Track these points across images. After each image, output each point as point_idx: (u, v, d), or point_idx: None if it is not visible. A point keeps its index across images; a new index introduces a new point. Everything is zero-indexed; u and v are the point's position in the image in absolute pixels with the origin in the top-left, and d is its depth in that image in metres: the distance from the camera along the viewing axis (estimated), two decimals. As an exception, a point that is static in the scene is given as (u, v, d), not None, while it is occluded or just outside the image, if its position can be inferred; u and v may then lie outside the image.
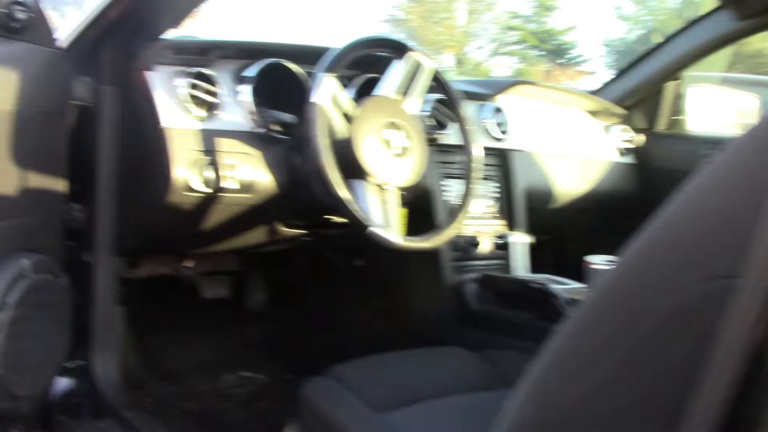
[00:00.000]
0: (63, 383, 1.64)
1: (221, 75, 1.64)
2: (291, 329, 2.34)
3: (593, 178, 2.40)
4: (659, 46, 2.44)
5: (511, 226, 2.10)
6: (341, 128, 1.54)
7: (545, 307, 1.77)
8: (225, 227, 1.69)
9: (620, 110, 2.53)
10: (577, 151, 2.37)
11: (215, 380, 2.15)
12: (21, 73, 1.38)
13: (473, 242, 2.00)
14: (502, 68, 23.88)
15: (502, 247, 1.99)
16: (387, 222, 1.56)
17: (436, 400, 1.34)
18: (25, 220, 1.41)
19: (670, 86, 2.51)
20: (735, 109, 2.67)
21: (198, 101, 1.57)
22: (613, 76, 2.63)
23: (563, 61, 23.65)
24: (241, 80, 1.67)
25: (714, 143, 2.38)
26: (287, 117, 1.63)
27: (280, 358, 2.29)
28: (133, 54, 1.58)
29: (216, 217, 1.65)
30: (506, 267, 2.03)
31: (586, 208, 2.39)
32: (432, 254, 1.86)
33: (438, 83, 1.73)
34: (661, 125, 2.56)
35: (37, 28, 1.41)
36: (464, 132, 1.76)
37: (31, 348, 1.40)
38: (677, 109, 2.55)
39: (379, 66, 1.76)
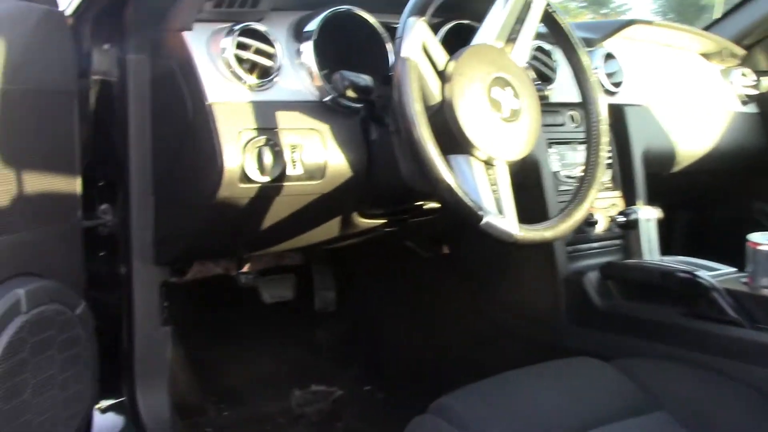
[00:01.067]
0: (99, 426, 1.32)
1: (276, 31, 1.29)
2: (367, 332, 2.00)
3: (715, 134, 2.00)
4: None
5: (629, 197, 1.72)
6: (435, 89, 1.18)
7: (694, 302, 1.40)
8: (288, 223, 1.35)
9: (739, 50, 2.11)
10: (696, 103, 1.97)
11: (283, 398, 1.82)
12: (11, 40, 1.05)
13: (589, 221, 1.63)
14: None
15: (625, 226, 1.61)
16: (501, 208, 1.19)
17: None
18: (23, 234, 1.07)
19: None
20: None
21: (249, 66, 1.23)
22: (726, 12, 2.20)
23: (607, 11, 22.79)
24: (301, 36, 1.31)
25: None
26: (363, 79, 1.27)
27: (356, 366, 1.96)
28: (164, 11, 1.23)
29: (277, 211, 1.31)
30: (629, 250, 1.66)
31: (710, 170, 2.00)
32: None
33: (550, 24, 1.35)
34: (790, 66, 2.14)
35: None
36: (586, 85, 1.37)
37: (38, 404, 1.07)
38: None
39: (470, 9, 1.39)
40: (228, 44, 1.21)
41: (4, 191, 1.03)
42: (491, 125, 1.20)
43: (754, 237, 1.38)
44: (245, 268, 1.62)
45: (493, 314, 1.73)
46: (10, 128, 1.04)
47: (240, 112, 1.20)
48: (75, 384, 1.14)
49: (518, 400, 1.14)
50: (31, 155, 1.09)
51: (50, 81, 1.13)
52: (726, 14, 2.17)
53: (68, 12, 1.23)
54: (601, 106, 1.37)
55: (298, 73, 1.29)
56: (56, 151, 1.15)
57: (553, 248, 1.58)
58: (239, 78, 1.22)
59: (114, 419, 1.38)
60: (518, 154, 1.25)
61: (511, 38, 1.29)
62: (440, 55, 1.19)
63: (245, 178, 1.20)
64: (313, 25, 1.31)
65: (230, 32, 1.22)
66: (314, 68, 1.29)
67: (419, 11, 1.15)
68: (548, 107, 1.60)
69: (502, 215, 1.17)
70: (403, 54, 1.12)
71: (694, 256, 1.57)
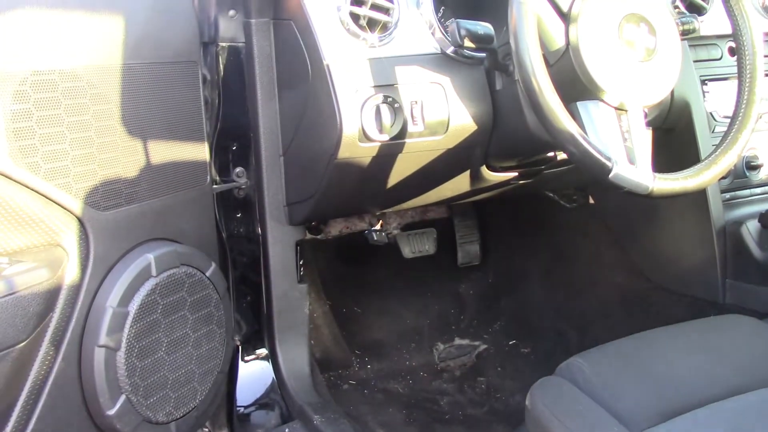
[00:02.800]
0: (244, 378, 1.39)
1: None
2: (510, 285, 1.95)
3: None
4: None
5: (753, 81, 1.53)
6: (558, 33, 1.10)
7: None
8: (413, 180, 1.32)
9: None
10: None
11: (426, 352, 1.83)
12: (131, 15, 1.09)
13: (751, 164, 1.48)
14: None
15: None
16: (634, 157, 1.10)
17: (725, 403, 0.94)
18: (153, 202, 1.12)
19: None
20: None
21: (367, 22, 1.20)
22: None
23: None
24: None
25: None
26: (481, 27, 1.20)
27: (499, 320, 1.92)
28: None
29: (400, 169, 1.28)
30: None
31: None
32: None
33: None
34: None
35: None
36: (734, 9, 1.22)
37: (171, 362, 1.14)
38: None
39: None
40: (343, 2, 1.19)
41: (131, 161, 1.09)
42: (623, 67, 1.11)
43: None
44: (378, 225, 1.62)
45: (641, 267, 1.63)
46: (134, 100, 1.09)
47: (357, 70, 1.19)
48: (208, 342, 1.20)
49: (655, 362, 1.07)
50: (157, 125, 1.14)
51: (173, 52, 1.17)
52: None
53: (193, -20, 1.26)
54: (755, 34, 1.22)
55: (418, 24, 1.25)
56: (182, 120, 1.19)
57: (706, 195, 1.45)
58: (356, 35, 1.20)
59: (259, 371, 1.44)
60: (655, 97, 1.15)
61: (647, -33, 1.17)
62: (565, -4, 1.11)
63: (365, 137, 1.19)
64: None
65: None
66: (434, 19, 1.25)
67: None
68: (701, 40, 1.46)
69: (633, 165, 1.08)
70: None
71: None
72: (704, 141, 1.44)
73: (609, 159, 1.05)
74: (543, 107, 1.04)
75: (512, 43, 1.05)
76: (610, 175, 1.05)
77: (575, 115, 1.11)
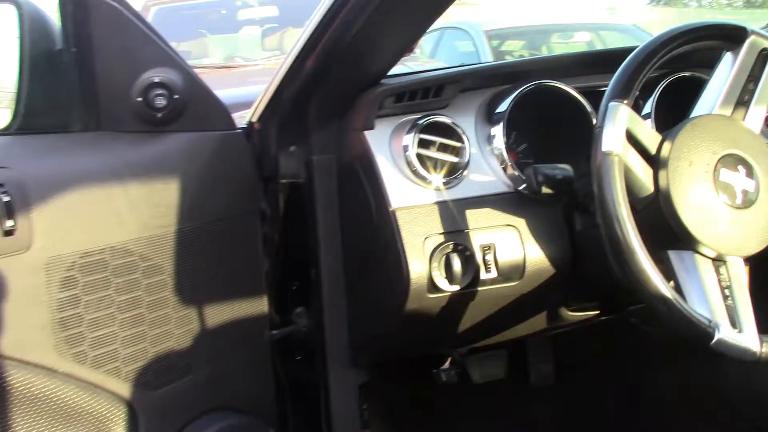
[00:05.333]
0: None
1: (463, 117, 1.18)
2: (588, 410, 1.81)
3: None
4: None
5: None
6: (647, 179, 1.00)
7: None
8: (486, 324, 1.23)
9: None
10: None
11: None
12: (186, 177, 1.03)
13: None
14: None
15: None
16: (736, 318, 0.98)
17: None
18: (210, 371, 1.05)
19: None
20: None
21: (435, 163, 1.13)
22: None
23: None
24: (491, 119, 1.19)
25: None
26: (560, 171, 1.12)
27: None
28: (346, 109, 1.18)
29: (472, 315, 1.19)
30: None
31: None
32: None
33: None
34: None
35: (193, 111, 1.05)
36: None
37: None
38: None
39: (690, 60, 1.19)
40: (410, 142, 1.12)
41: (186, 332, 1.02)
42: (720, 214, 1.00)
43: None
44: (446, 364, 1.51)
45: (742, 409, 1.48)
46: (189, 266, 1.03)
47: (425, 217, 1.11)
48: None
49: None
50: (214, 287, 1.08)
51: (231, 207, 1.11)
52: None
53: (254, 119, 1.22)
54: None
55: (489, 161, 1.17)
56: (240, 275, 1.13)
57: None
58: (424, 179, 1.12)
59: None
60: (757, 246, 1.03)
61: (743, 101, 1.07)
62: (651, 137, 1.01)
63: (433, 287, 1.10)
64: (504, 106, 1.18)
65: (412, 128, 1.13)
66: (506, 155, 1.16)
67: (622, 93, 0.98)
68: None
69: (737, 329, 0.96)
70: (604, 148, 0.95)
71: None
72: None
73: (710, 323, 0.94)
74: (630, 266, 0.94)
75: (596, 190, 0.96)
76: (713, 343, 0.94)
77: (667, 265, 1.00)
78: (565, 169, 1.11)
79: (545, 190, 1.11)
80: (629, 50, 1.15)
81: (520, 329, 1.29)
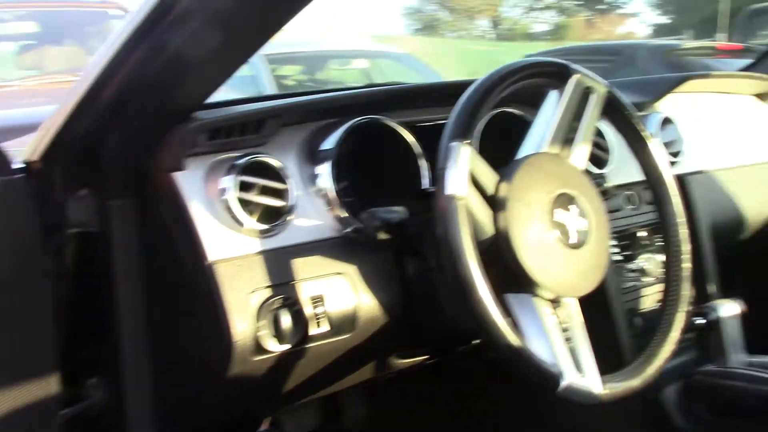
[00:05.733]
0: None
1: (284, 155, 1.07)
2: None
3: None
4: None
5: (699, 284, 1.48)
6: (486, 220, 0.95)
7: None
8: (313, 381, 1.12)
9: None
10: (762, 155, 1.73)
11: None
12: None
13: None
14: (540, 23, 22.91)
15: (706, 328, 1.36)
16: (578, 361, 0.96)
17: None
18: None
19: None
20: None
21: (257, 208, 1.01)
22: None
23: (603, 7, 22.52)
24: (316, 157, 1.09)
25: None
26: (396, 214, 1.04)
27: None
28: (150, 147, 1.02)
29: (300, 374, 1.08)
30: (706, 348, 1.41)
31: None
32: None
33: (611, 113, 1.13)
34: None
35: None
36: (660, 186, 1.14)
37: None
38: None
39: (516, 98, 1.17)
40: (228, 185, 0.99)
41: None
42: (556, 255, 0.98)
43: None
44: (264, 425, 1.38)
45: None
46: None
47: (249, 269, 0.98)
48: None
49: None
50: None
51: (10, 269, 0.91)
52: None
53: (33, 157, 1.02)
54: (677, 206, 1.14)
55: (315, 203, 1.07)
56: (28, 352, 0.93)
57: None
58: (245, 225, 0.99)
59: None
60: (590, 285, 1.02)
61: (568, 139, 1.06)
62: (489, 178, 0.97)
63: (260, 349, 0.98)
64: (330, 143, 1.09)
65: (231, 169, 1.00)
66: (333, 196, 1.07)
67: (463, 133, 0.93)
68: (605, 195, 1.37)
69: (581, 373, 0.95)
70: (448, 191, 0.89)
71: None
72: (617, 306, 1.33)
73: (556, 370, 0.91)
74: (479, 313, 0.89)
75: (441, 236, 0.90)
76: (559, 389, 0.91)
77: (507, 309, 0.96)
78: (399, 211, 1.04)
79: (382, 235, 1.03)
80: (452, 85, 1.11)
81: (347, 381, 1.20)
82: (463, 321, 1.06)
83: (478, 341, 1.22)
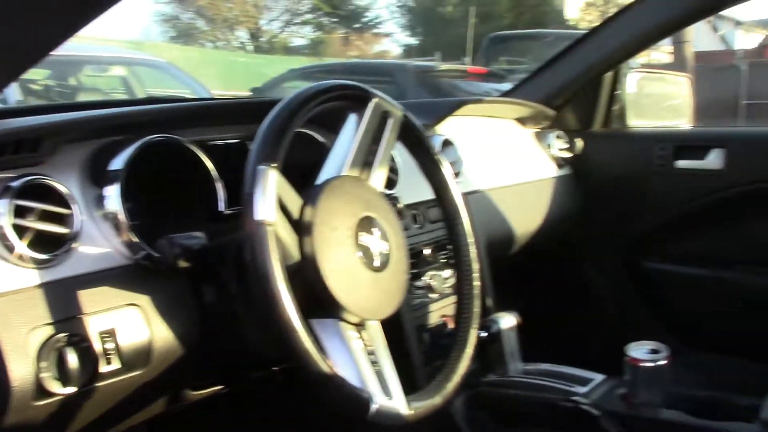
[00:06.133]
0: None
1: (67, 176, 0.97)
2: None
3: (543, 204, 1.93)
4: (594, 32, 1.99)
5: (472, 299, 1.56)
6: (292, 245, 0.93)
7: (580, 429, 1.28)
8: (104, 421, 1.02)
9: (550, 112, 2.06)
10: (524, 174, 1.88)
11: None
12: None
13: (443, 332, 1.45)
14: (298, 38, 23.24)
15: (489, 341, 1.44)
16: (385, 383, 0.97)
17: None
18: None
19: (606, 78, 2.07)
20: (667, 92, 2.32)
21: (35, 235, 0.89)
22: (531, 73, 2.15)
23: (359, 25, 23.37)
24: (102, 178, 0.99)
25: (666, 139, 1.98)
26: (196, 240, 0.98)
27: None
28: None
29: (88, 416, 0.98)
30: (487, 357, 1.50)
31: (538, 244, 1.92)
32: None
33: (406, 137, 1.15)
34: (598, 124, 2.13)
35: None
36: (444, 189, 1.19)
37: None
38: (614, 103, 2.13)
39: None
40: (1, 210, 0.87)
41: None
42: (361, 279, 0.98)
43: (633, 351, 1.28)
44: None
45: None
46: None
47: (28, 304, 0.87)
48: None
49: None
50: None
51: None
52: (533, 75, 2.12)
53: None
54: (467, 226, 1.19)
55: (101, 228, 0.98)
56: None
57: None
58: (22, 257, 0.88)
59: None
60: (393, 306, 1.04)
61: (368, 162, 1.07)
62: (294, 202, 0.94)
63: (42, 392, 0.87)
64: (119, 162, 1.00)
65: (4, 192, 0.88)
66: (123, 219, 0.98)
67: (270, 156, 0.89)
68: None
69: (388, 396, 0.95)
70: (257, 217, 0.85)
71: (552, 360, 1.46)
72: (408, 324, 1.36)
73: (366, 394, 0.91)
74: (291, 342, 0.86)
75: (250, 262, 0.86)
76: (370, 414, 0.91)
77: (314, 335, 0.94)
78: (199, 237, 0.98)
79: (182, 263, 0.96)
80: (246, 104, 1.08)
81: (138, 417, 1.11)
82: (268, 348, 1.02)
83: (277, 368, 1.19)
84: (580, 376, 1.39)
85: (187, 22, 21.15)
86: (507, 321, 1.45)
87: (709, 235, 1.94)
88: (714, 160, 1.89)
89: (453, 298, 1.39)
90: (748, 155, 1.86)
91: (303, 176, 1.01)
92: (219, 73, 11.48)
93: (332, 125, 1.10)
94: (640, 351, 1.28)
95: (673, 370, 1.28)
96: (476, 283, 1.17)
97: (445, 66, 6.87)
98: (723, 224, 1.92)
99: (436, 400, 1.03)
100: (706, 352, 1.91)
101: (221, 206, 1.11)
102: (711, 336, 1.94)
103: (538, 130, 2.05)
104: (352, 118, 1.06)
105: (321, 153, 1.07)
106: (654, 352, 1.28)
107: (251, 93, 7.70)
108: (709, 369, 1.81)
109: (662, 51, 15.31)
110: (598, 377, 1.39)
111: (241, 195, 0.88)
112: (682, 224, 1.96)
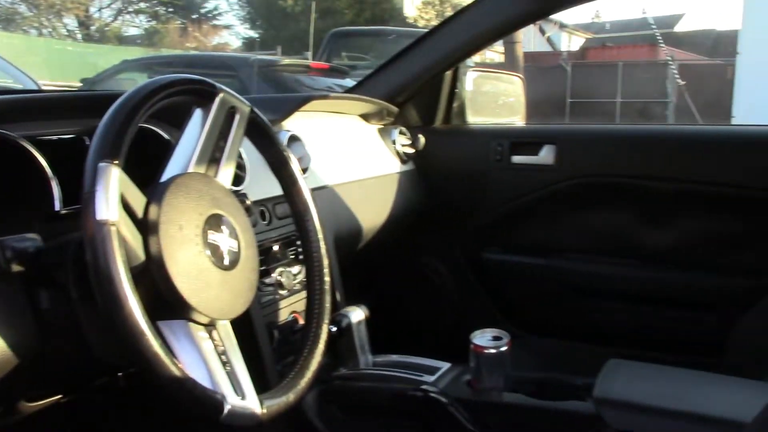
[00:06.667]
0: None
1: None
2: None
3: (387, 200, 1.96)
4: (435, 31, 2.05)
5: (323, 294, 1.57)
6: (136, 246, 0.89)
7: (430, 417, 1.32)
8: None
9: (393, 108, 2.10)
10: (369, 170, 1.91)
11: None
12: None
13: (295, 329, 1.45)
14: (133, 27, 22.30)
15: (339, 335, 1.45)
16: (237, 384, 0.95)
17: None
18: None
19: (446, 76, 2.14)
20: (502, 91, 2.43)
21: None
22: (375, 70, 2.18)
23: (197, 16, 22.76)
24: None
25: (503, 136, 2.09)
26: (31, 243, 0.92)
27: None
28: None
29: None
30: (337, 351, 1.51)
31: (385, 238, 1.96)
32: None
33: (254, 133, 1.14)
34: (439, 121, 2.20)
35: None
36: (293, 186, 1.19)
37: None
38: (454, 100, 2.21)
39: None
40: None
41: None
42: (211, 278, 0.96)
43: (477, 339, 1.34)
44: None
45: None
46: None
47: None
48: None
49: None
50: None
51: None
52: (376, 72, 2.15)
53: None
54: (317, 222, 1.20)
55: None
56: None
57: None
58: None
59: None
60: (244, 305, 1.02)
61: (215, 159, 1.04)
62: (137, 200, 0.91)
63: None
64: None
65: None
66: None
67: (112, 153, 0.85)
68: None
69: (240, 396, 0.94)
70: (99, 216, 0.81)
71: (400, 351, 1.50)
72: (258, 323, 1.35)
73: (218, 396, 0.89)
74: (138, 348, 0.83)
75: (91, 264, 0.82)
76: (223, 416, 0.89)
77: (163, 337, 0.91)
78: (34, 239, 0.92)
79: (16, 267, 0.90)
80: (80, 97, 1.02)
81: None
82: (113, 353, 0.98)
83: (121, 374, 1.14)
84: (427, 365, 1.43)
85: (7, 6, 19.68)
86: (356, 315, 1.47)
87: (543, 226, 2.06)
88: (546, 155, 2.01)
89: (303, 294, 1.39)
90: (576, 151, 1.99)
91: (147, 174, 0.97)
92: (46, 62, 10.81)
93: (176, 121, 1.07)
94: (483, 338, 1.33)
95: (513, 355, 1.34)
96: (326, 278, 1.18)
97: (287, 60, 6.84)
98: (555, 216, 2.04)
99: (290, 398, 1.03)
100: (543, 337, 2.03)
101: (57, 206, 1.05)
102: (547, 321, 2.07)
103: (382, 126, 2.09)
104: (197, 113, 1.03)
105: (165, 150, 1.03)
106: (496, 339, 1.34)
107: (82, 84, 7.30)
108: (546, 352, 1.93)
109: (495, 51, 16.04)
110: (445, 365, 1.43)
111: (79, 194, 0.84)
112: (519, 216, 2.06)
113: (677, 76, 13.88)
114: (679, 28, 22.99)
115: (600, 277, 2.01)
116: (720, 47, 16.90)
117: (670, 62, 14.39)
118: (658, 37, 15.13)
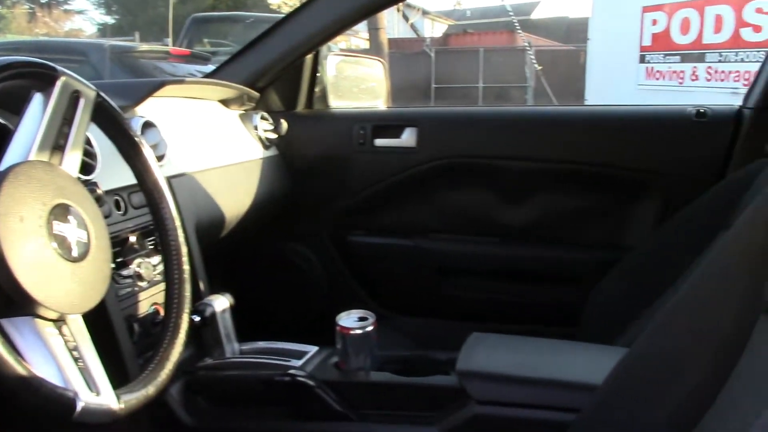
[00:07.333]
0: None
1: None
2: None
3: (251, 187, 1.94)
4: (294, 14, 2.03)
5: (192, 284, 1.53)
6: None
7: (299, 401, 1.32)
8: None
9: (254, 93, 2.07)
10: (231, 156, 1.87)
11: None
12: None
13: (155, 321, 1.40)
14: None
15: (203, 324, 1.42)
16: (91, 380, 0.91)
17: None
18: None
19: (307, 60, 2.14)
20: (364, 75, 2.45)
21: None
22: (234, 55, 2.14)
23: (46, 0, 21.52)
24: None
25: (365, 120, 2.11)
26: None
27: None
28: None
29: None
30: (201, 341, 1.48)
31: (249, 225, 1.93)
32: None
33: (101, 118, 1.09)
34: (302, 105, 2.19)
35: None
36: (146, 173, 1.15)
37: None
38: (315, 85, 2.20)
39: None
40: None
41: None
42: (59, 271, 0.91)
43: (343, 321, 1.35)
44: None
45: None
46: None
47: None
48: None
49: None
50: None
51: None
52: (235, 57, 2.11)
53: None
54: (173, 210, 1.16)
55: None
56: None
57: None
58: None
59: None
60: (96, 298, 0.98)
61: (59, 146, 0.99)
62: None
63: None
64: None
65: None
66: None
67: None
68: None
69: (94, 392, 0.90)
70: None
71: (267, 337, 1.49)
72: (115, 314, 1.29)
73: (70, 394, 0.85)
74: None
75: None
76: (76, 414, 0.86)
77: (5, 336, 0.86)
78: None
79: None
80: None
81: None
82: None
83: None
84: (295, 350, 1.43)
85: None
86: (220, 303, 1.44)
87: (406, 208, 2.10)
88: (408, 138, 2.04)
89: (163, 285, 1.35)
90: (436, 133, 2.04)
91: None
92: None
93: (14, 106, 1.00)
94: (348, 320, 1.34)
95: (380, 336, 1.36)
96: (185, 267, 1.15)
97: (145, 47, 6.60)
98: (418, 197, 2.08)
99: (149, 391, 1.00)
100: (410, 316, 2.07)
101: None
102: (413, 301, 2.11)
103: (243, 111, 2.06)
104: (37, 98, 0.97)
105: (2, 136, 0.97)
106: (362, 319, 1.35)
107: None
108: (413, 331, 1.97)
109: (360, 38, 16.14)
110: (313, 349, 1.43)
111: None
112: (383, 198, 2.09)
113: (534, 61, 14.49)
114: (535, 15, 23.96)
115: (462, 256, 2.07)
116: (573, 34, 17.76)
117: (528, 48, 15.00)
118: (516, 24, 15.72)
